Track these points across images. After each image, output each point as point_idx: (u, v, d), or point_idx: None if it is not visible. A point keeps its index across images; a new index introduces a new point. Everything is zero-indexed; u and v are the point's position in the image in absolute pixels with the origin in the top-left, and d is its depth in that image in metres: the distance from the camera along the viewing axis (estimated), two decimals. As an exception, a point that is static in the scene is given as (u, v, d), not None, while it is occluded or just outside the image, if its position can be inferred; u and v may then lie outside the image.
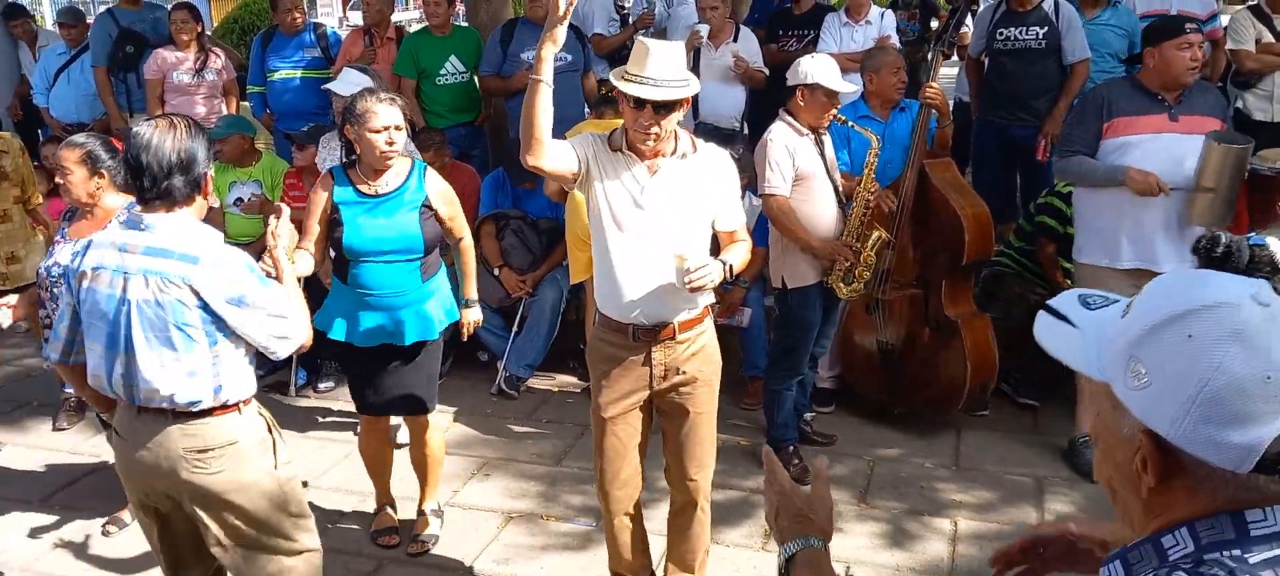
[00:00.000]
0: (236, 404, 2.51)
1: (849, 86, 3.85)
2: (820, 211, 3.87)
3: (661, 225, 2.77)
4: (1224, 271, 1.97)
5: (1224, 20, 6.12)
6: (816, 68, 3.73)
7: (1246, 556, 0.92)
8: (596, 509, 3.93)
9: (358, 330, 3.36)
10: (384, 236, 3.26)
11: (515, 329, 5.06)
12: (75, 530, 3.89)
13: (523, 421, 4.75)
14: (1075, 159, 3.87)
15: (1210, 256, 1.98)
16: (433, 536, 3.72)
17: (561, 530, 3.83)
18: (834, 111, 3.81)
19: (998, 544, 3.61)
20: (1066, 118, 4.09)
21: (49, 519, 3.97)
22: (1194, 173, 3.65)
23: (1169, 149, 3.69)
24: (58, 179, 3.39)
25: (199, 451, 2.47)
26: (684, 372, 2.93)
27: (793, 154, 3.77)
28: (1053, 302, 1.11)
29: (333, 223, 3.30)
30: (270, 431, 2.62)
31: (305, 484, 2.90)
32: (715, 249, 2.96)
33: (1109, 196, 3.81)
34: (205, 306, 2.37)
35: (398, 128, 3.23)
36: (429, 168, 3.43)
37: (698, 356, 2.95)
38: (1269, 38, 5.49)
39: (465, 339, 3.72)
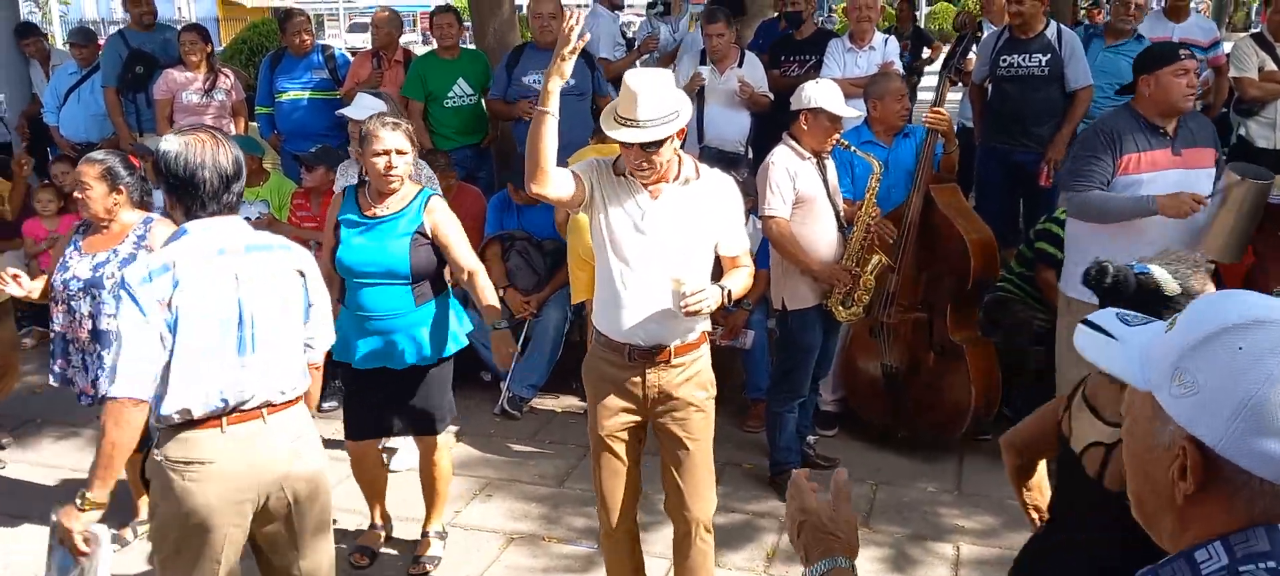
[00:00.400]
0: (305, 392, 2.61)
1: (852, 111, 3.87)
2: (820, 235, 3.89)
3: (662, 249, 2.79)
4: (1111, 301, 2.01)
5: (1227, 47, 6.16)
6: (820, 93, 3.76)
7: None
8: (598, 531, 3.93)
9: (354, 351, 3.39)
10: (371, 258, 3.30)
11: (519, 349, 5.07)
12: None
13: (526, 442, 4.75)
14: (1094, 194, 3.70)
15: (1100, 286, 2.03)
16: (435, 558, 3.71)
17: (563, 552, 3.82)
18: (837, 136, 3.84)
19: (1000, 569, 3.61)
20: (1072, 153, 3.90)
21: (43, 528, 3.97)
22: (1211, 207, 3.57)
23: (1177, 185, 3.61)
24: (77, 194, 3.41)
25: (297, 437, 2.54)
26: (677, 398, 2.93)
27: (794, 177, 3.79)
28: (1092, 317, 1.14)
29: (336, 241, 3.36)
30: None
31: None
32: (718, 273, 2.97)
33: (1106, 231, 3.70)
34: (308, 290, 2.55)
35: (400, 152, 3.25)
36: (437, 198, 3.42)
37: (692, 382, 2.95)
38: (1271, 65, 5.52)
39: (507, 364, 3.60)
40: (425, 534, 3.76)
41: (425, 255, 3.33)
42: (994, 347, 4.41)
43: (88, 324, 3.44)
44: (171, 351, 2.32)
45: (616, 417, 2.96)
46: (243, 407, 2.41)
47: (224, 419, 2.39)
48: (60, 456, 4.69)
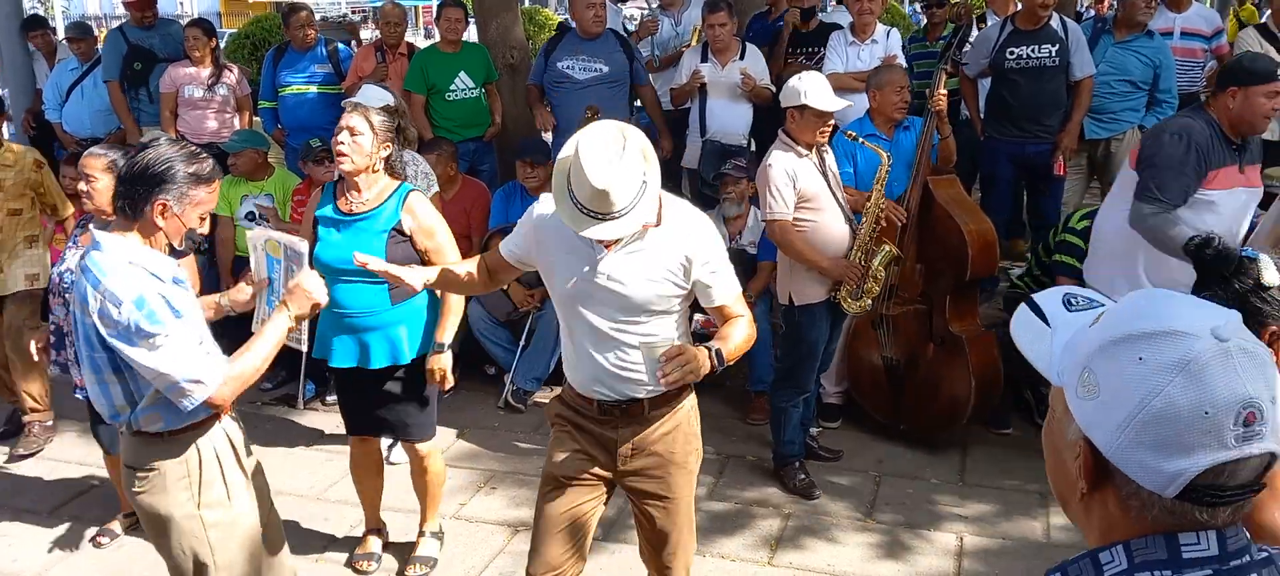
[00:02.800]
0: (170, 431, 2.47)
1: (841, 103, 3.80)
2: (829, 229, 3.88)
3: (621, 302, 2.43)
4: (1212, 272, 1.94)
5: (1220, 26, 6.16)
6: (805, 88, 3.70)
7: (1176, 574, 0.95)
8: (601, 521, 3.94)
9: (331, 348, 3.36)
10: (341, 255, 3.18)
11: (522, 342, 5.09)
12: (83, 540, 3.91)
13: (529, 435, 4.76)
14: (1170, 216, 3.44)
15: (1201, 256, 1.97)
16: (428, 558, 3.67)
17: (567, 543, 3.83)
18: (828, 128, 3.82)
19: (1003, 559, 3.63)
20: (1154, 158, 3.55)
21: (58, 529, 4.00)
22: (1266, 226, 3.50)
23: (1241, 203, 3.55)
24: (82, 187, 3.40)
25: (130, 473, 2.52)
26: (654, 454, 2.59)
27: (794, 177, 3.77)
28: (1037, 297, 1.13)
29: (314, 237, 3.29)
30: (204, 469, 2.52)
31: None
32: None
33: (1139, 248, 3.61)
34: (101, 330, 2.41)
35: (351, 130, 3.15)
36: (417, 195, 3.31)
37: (671, 436, 2.60)
38: (1276, 57, 5.50)
39: (440, 386, 3.44)
40: (421, 533, 3.73)
41: (403, 252, 3.20)
42: (996, 340, 4.42)
43: None
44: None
45: (577, 459, 2.62)
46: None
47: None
48: (63, 451, 4.71)
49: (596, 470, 2.63)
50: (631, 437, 2.58)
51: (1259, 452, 0.94)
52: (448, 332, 3.37)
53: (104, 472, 4.44)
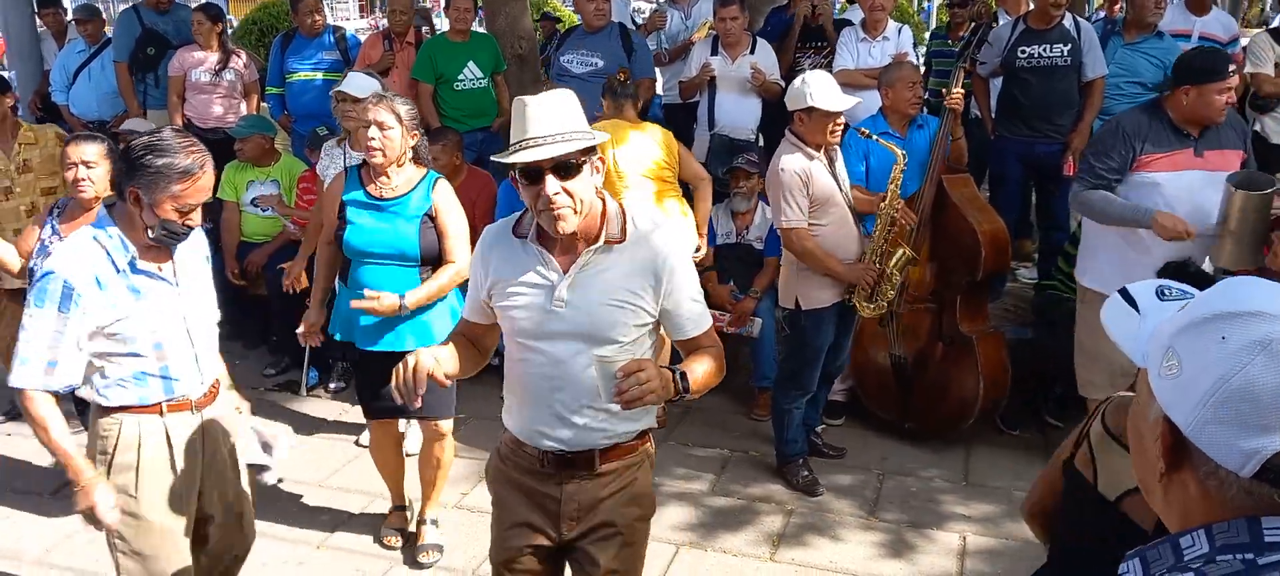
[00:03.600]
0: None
1: (849, 101, 3.76)
2: (841, 232, 3.85)
3: (580, 330, 2.15)
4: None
5: (1245, 42, 6.12)
6: (811, 89, 3.66)
7: (1258, 560, 0.95)
8: None
9: (358, 332, 3.38)
10: (380, 240, 3.29)
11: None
12: (85, 523, 3.91)
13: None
14: (1098, 194, 3.71)
15: (1174, 277, 1.93)
16: (435, 546, 3.68)
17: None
18: (839, 127, 3.77)
19: (1006, 560, 3.62)
20: (1088, 147, 3.89)
21: (60, 511, 4.00)
22: (1218, 217, 3.56)
23: (1194, 187, 3.60)
24: (79, 174, 3.40)
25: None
26: (602, 518, 2.28)
27: (806, 181, 3.71)
28: (1132, 287, 1.16)
29: (341, 222, 3.35)
30: (118, 451, 2.55)
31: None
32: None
33: (1120, 235, 3.72)
34: None
35: (380, 125, 3.22)
36: (444, 182, 3.41)
37: (620, 496, 2.29)
38: None
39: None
40: (422, 521, 3.74)
41: (433, 237, 3.33)
42: (1003, 339, 4.40)
43: None
44: None
45: (521, 536, 2.32)
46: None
47: None
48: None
49: (539, 541, 2.31)
50: (577, 496, 2.27)
51: None
52: (415, 296, 3.37)
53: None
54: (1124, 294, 1.15)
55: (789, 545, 3.74)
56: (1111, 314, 1.15)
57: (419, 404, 2.09)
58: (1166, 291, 1.13)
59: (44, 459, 4.46)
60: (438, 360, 2.12)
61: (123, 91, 6.61)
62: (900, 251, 3.94)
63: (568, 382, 2.18)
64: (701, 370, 2.20)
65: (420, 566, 3.66)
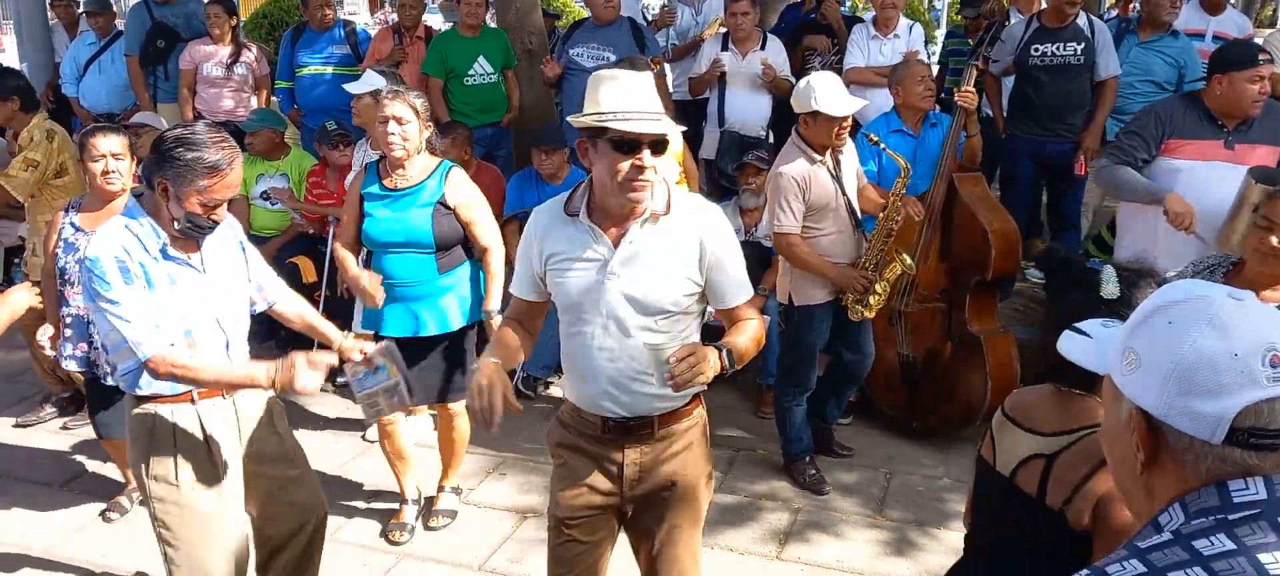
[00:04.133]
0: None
1: (856, 104, 3.72)
2: (835, 238, 3.83)
3: (632, 305, 2.25)
4: (1064, 281, 2.05)
5: (1259, 42, 6.07)
6: (817, 95, 3.62)
7: (1228, 517, 1.03)
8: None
9: (381, 320, 3.49)
10: (395, 229, 3.40)
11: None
12: (94, 513, 3.93)
13: (537, 421, 4.74)
14: (1122, 169, 3.82)
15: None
16: (451, 510, 3.86)
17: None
18: (845, 130, 3.75)
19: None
20: (1119, 130, 4.05)
21: (69, 502, 4.02)
22: (1232, 205, 3.50)
23: (1222, 178, 3.58)
24: (112, 165, 3.40)
25: None
26: (663, 478, 2.40)
27: (805, 189, 3.70)
28: (1080, 325, 1.31)
29: (362, 214, 3.47)
30: (156, 442, 2.58)
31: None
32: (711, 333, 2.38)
33: (1149, 219, 3.79)
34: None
35: (399, 120, 3.31)
36: (458, 170, 3.50)
37: (681, 457, 2.41)
38: None
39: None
40: (441, 488, 3.90)
41: (448, 225, 3.43)
42: (1012, 339, 4.38)
43: None
44: None
45: (584, 495, 2.42)
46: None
47: None
48: (77, 426, 4.72)
49: (602, 501, 2.42)
50: (639, 459, 2.38)
51: None
52: (494, 299, 3.53)
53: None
54: (1075, 331, 1.30)
55: (795, 543, 3.73)
56: (1068, 345, 1.28)
57: (496, 430, 2.19)
58: (1110, 324, 1.28)
59: (55, 450, 4.48)
60: (503, 381, 2.21)
61: (134, 84, 6.63)
62: (897, 262, 3.89)
63: (624, 354, 2.28)
64: (743, 342, 2.29)
65: (430, 529, 3.78)
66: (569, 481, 2.44)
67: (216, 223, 2.49)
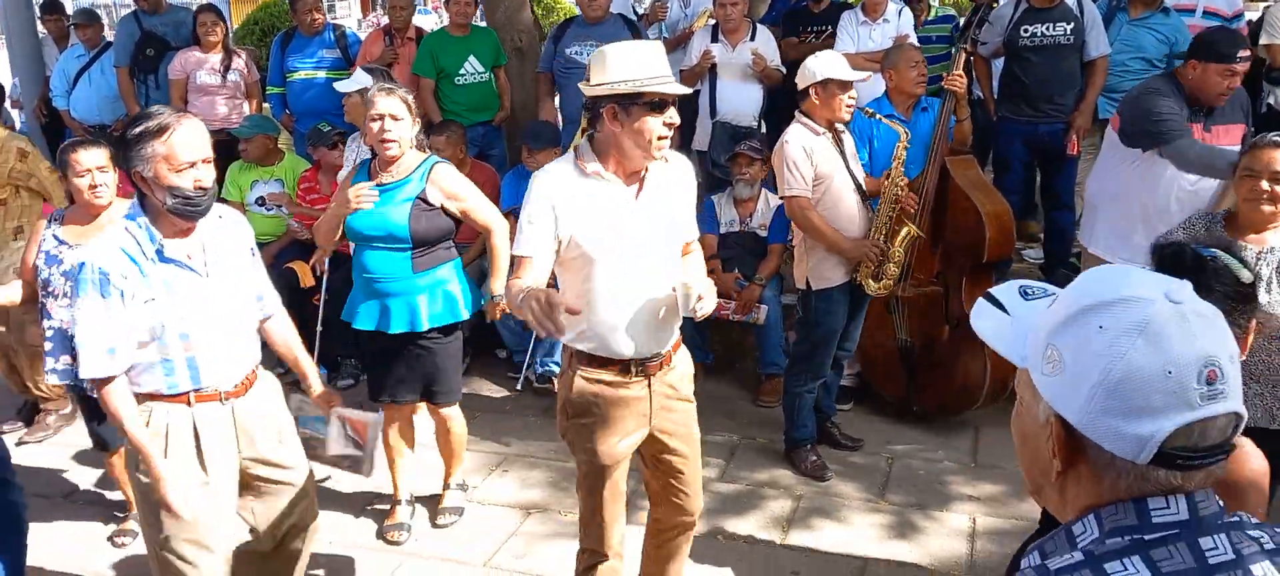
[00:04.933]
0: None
1: (858, 74, 3.83)
2: (843, 209, 3.85)
3: (649, 246, 2.55)
4: (1182, 273, 1.98)
5: (1250, 16, 6.06)
6: (823, 65, 3.72)
7: (1144, 536, 0.97)
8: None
9: (356, 313, 3.52)
10: (372, 223, 3.40)
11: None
12: (96, 526, 3.94)
13: (539, 417, 4.76)
14: (1198, 143, 3.68)
15: (1164, 256, 2.00)
16: (458, 508, 3.88)
17: (578, 524, 3.83)
18: (852, 101, 3.79)
19: (1016, 540, 3.61)
20: (1137, 112, 3.86)
21: (71, 514, 4.03)
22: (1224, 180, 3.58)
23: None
24: (98, 179, 3.35)
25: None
26: (675, 399, 2.74)
27: (810, 154, 3.75)
28: (993, 291, 1.15)
29: None
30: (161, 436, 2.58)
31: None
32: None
33: (1129, 190, 3.82)
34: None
35: (393, 117, 3.33)
36: (444, 165, 3.48)
37: (684, 377, 2.78)
38: None
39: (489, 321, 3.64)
40: (446, 486, 3.91)
41: (427, 222, 3.39)
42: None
43: None
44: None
45: (626, 439, 2.69)
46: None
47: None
48: (78, 438, 4.72)
49: (635, 436, 2.70)
50: (660, 389, 2.67)
51: (1224, 411, 0.95)
52: (499, 282, 3.49)
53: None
54: (988, 297, 1.15)
55: (798, 529, 3.74)
56: (979, 316, 1.13)
57: (562, 333, 2.30)
58: (1029, 291, 1.13)
59: (56, 464, 4.49)
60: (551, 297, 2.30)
61: (124, 95, 6.62)
62: (905, 229, 3.94)
63: (650, 291, 2.55)
64: (701, 272, 2.76)
65: (438, 526, 3.81)
66: (607, 431, 2.65)
67: (204, 192, 2.45)
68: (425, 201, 3.39)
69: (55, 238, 3.48)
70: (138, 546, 3.80)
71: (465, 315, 3.57)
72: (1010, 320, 1.11)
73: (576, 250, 2.51)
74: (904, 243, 3.94)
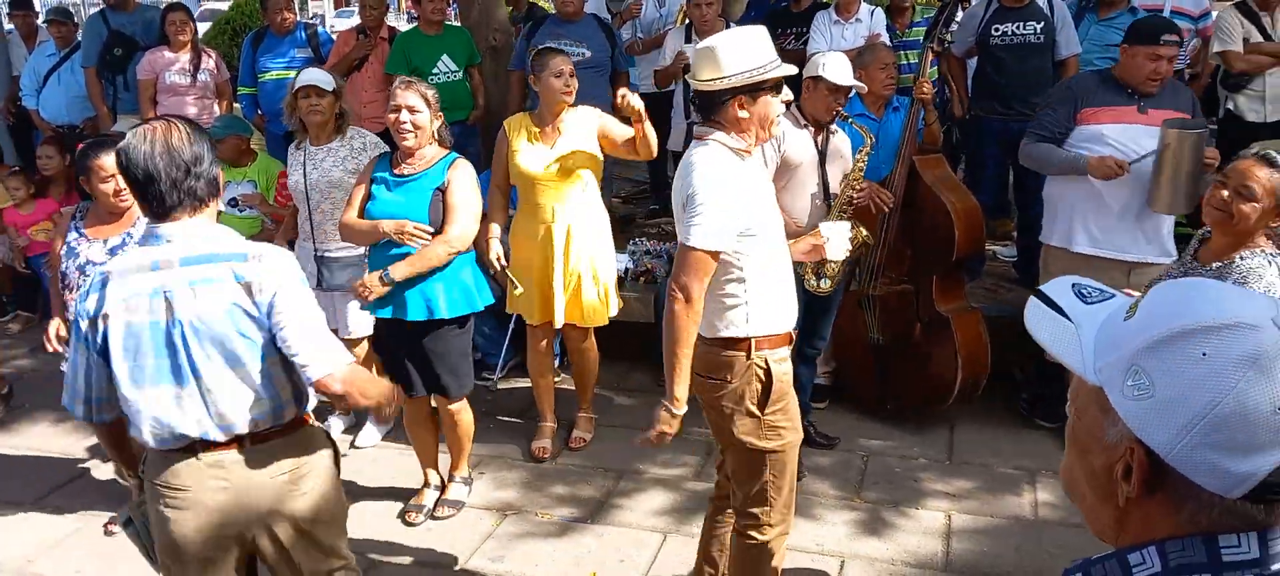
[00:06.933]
0: (308, 413, 2.38)
1: (860, 85, 3.91)
2: (797, 202, 3.84)
3: (777, 216, 2.76)
4: None
5: (1216, 16, 6.13)
6: (825, 62, 3.76)
7: None
8: (588, 502, 3.95)
9: (396, 304, 3.57)
10: (393, 211, 3.50)
11: (512, 326, 5.06)
12: (69, 531, 3.88)
13: (513, 419, 4.75)
14: (1042, 145, 3.98)
15: None
16: (458, 501, 3.94)
17: (554, 525, 3.84)
18: (840, 106, 3.81)
19: (991, 537, 3.64)
20: (1038, 105, 4.20)
21: (42, 519, 3.97)
22: (1153, 163, 3.72)
23: (1135, 138, 3.80)
24: (98, 181, 3.34)
25: (293, 472, 2.32)
26: None
27: (780, 141, 3.74)
28: (1046, 288, 1.05)
29: (368, 195, 3.60)
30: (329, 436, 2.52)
31: None
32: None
33: (1071, 183, 3.94)
34: (260, 305, 2.19)
35: (412, 109, 3.46)
36: (462, 164, 3.57)
37: None
38: (1257, 36, 5.49)
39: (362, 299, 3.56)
40: (450, 479, 3.99)
41: (442, 211, 3.51)
42: (981, 317, 4.42)
43: None
44: (111, 376, 2.21)
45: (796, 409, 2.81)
46: (203, 438, 2.23)
47: (198, 447, 2.25)
48: (48, 442, 4.67)
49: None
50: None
51: None
52: (400, 269, 3.46)
53: (89, 461, 4.42)
54: (1040, 295, 1.04)
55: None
56: (1034, 320, 1.03)
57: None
58: (1086, 292, 1.03)
59: (27, 467, 4.43)
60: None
61: (92, 97, 6.52)
62: (854, 234, 3.90)
63: (787, 257, 2.75)
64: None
65: (436, 519, 3.86)
66: (790, 409, 2.72)
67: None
68: (443, 191, 3.51)
69: (77, 232, 3.54)
70: (116, 541, 3.75)
71: (480, 307, 3.67)
72: (1072, 327, 0.99)
73: (755, 231, 2.60)
74: (854, 243, 3.93)
